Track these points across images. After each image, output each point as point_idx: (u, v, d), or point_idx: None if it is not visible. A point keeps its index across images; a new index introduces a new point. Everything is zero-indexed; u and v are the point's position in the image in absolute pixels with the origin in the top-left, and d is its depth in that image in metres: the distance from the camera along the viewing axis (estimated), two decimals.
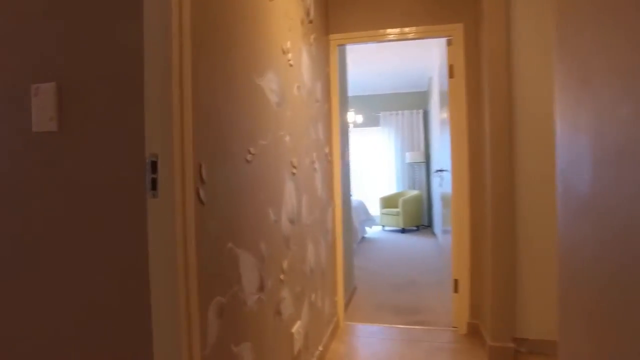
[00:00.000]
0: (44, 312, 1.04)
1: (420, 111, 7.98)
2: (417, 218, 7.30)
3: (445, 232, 3.84)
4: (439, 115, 5.37)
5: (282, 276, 1.69)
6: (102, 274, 1.01)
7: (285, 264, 1.74)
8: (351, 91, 8.01)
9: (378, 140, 8.38)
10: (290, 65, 1.89)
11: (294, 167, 1.91)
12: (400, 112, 8.11)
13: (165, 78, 0.96)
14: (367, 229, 7.12)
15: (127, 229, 1.00)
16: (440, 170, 3.69)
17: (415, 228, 7.43)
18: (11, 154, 1.08)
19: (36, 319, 1.04)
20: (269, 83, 1.61)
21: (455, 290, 2.81)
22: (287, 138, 1.82)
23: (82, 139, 1.03)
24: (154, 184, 0.97)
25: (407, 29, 2.84)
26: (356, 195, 7.96)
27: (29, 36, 1.07)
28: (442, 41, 3.00)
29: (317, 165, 2.39)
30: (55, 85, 1.05)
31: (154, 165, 0.97)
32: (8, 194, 1.08)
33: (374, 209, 7.81)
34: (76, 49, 1.03)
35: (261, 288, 1.47)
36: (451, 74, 2.83)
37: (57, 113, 1.05)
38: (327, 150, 2.77)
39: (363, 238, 6.70)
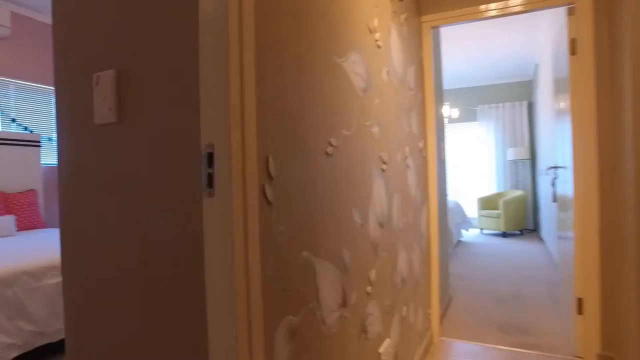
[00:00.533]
0: None
1: (524, 103, 7.14)
2: (520, 221, 6.53)
3: (561, 238, 3.27)
4: (549, 106, 4.68)
5: (369, 288, 1.46)
6: (153, 281, 0.87)
7: (372, 274, 1.50)
8: (445, 84, 7.48)
9: (475, 136, 7.70)
10: (378, 47, 1.64)
11: (384, 162, 1.66)
12: (500, 104, 7.35)
13: (222, 53, 0.78)
14: (463, 232, 6.56)
15: (180, 234, 0.84)
16: (555, 168, 3.14)
17: (518, 232, 6.67)
18: (80, 149, 1.00)
19: None
20: (353, 65, 1.39)
21: (579, 311, 2.32)
22: (375, 129, 1.58)
23: (138, 129, 0.90)
24: (210, 180, 0.80)
25: (512, 1, 2.41)
26: (451, 196, 7.39)
27: (93, 22, 0.97)
28: (554, 16, 2.50)
29: (410, 162, 2.11)
30: (114, 72, 0.94)
31: (210, 158, 0.80)
32: (83, 191, 1.01)
33: (471, 211, 7.18)
34: (130, 30, 0.91)
35: (344, 303, 1.25)
36: (573, 50, 2.34)
37: (115, 102, 0.94)
38: (421, 145, 2.47)
39: (459, 242, 6.17)
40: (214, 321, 0.80)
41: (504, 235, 6.56)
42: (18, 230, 3.48)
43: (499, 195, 6.94)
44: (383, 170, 1.66)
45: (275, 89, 0.94)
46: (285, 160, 0.97)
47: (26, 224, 3.65)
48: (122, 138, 0.94)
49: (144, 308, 0.90)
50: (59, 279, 2.39)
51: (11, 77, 3.89)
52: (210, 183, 0.80)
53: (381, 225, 1.62)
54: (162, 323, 0.87)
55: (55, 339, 2.32)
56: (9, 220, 3.37)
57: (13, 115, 3.92)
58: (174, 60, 0.85)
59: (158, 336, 0.88)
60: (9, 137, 3.77)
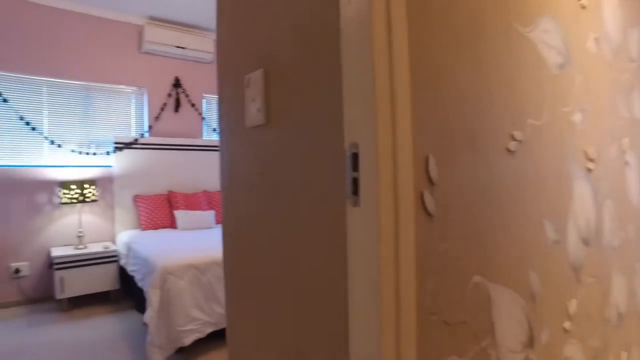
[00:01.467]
0: None
1: None
2: None
3: None
4: None
5: (567, 324, 1.12)
6: (301, 289, 0.79)
7: (572, 306, 1.15)
8: None
9: None
10: (582, 7, 1.26)
11: (590, 159, 1.27)
12: None
13: (365, 23, 0.64)
14: None
15: (323, 246, 0.74)
16: None
17: None
18: (234, 151, 1.01)
19: None
20: (544, 35, 1.08)
21: None
22: (577, 116, 1.22)
23: (283, 130, 0.84)
24: (355, 186, 0.67)
25: None
26: None
27: (244, 25, 0.96)
28: None
29: (630, 158, 1.60)
30: (262, 72, 0.91)
31: (355, 160, 0.67)
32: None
33: None
34: (275, 28, 0.86)
35: (530, 343, 0.97)
36: None
37: (263, 103, 0.90)
38: None
39: None
40: (357, 354, 0.66)
41: None
42: (216, 224, 4.06)
43: None
44: (589, 169, 1.27)
45: (436, 71, 0.76)
46: (451, 160, 0.77)
47: None
48: (268, 139, 0.90)
49: (293, 311, 0.84)
50: None
51: (214, 94, 4.57)
52: (355, 190, 0.67)
53: (585, 241, 1.24)
54: (308, 334, 0.79)
55: None
56: (210, 214, 3.96)
57: (214, 125, 4.61)
58: (314, 50, 0.75)
59: (304, 347, 0.80)
60: (211, 144, 4.44)
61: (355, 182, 0.67)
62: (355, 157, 0.67)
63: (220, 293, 2.54)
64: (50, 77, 3.66)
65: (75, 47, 3.77)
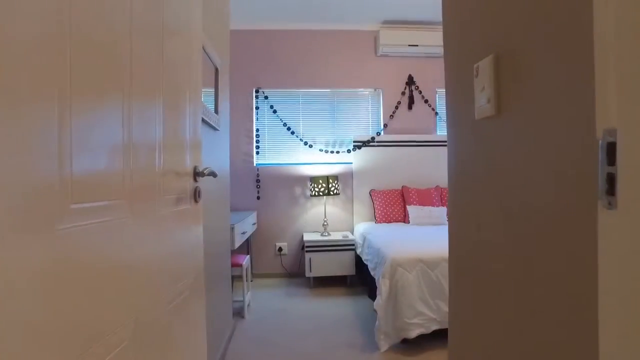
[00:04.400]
0: None
1: None
2: None
3: None
4: None
5: None
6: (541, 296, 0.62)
7: None
8: None
9: None
10: None
11: None
12: None
13: None
14: None
15: (565, 256, 0.55)
16: None
17: None
18: (462, 143, 0.91)
19: None
20: None
21: None
22: None
23: (516, 122, 0.71)
24: (611, 183, 0.47)
25: None
26: None
27: (472, 12, 0.85)
28: None
29: None
30: (492, 57, 0.78)
31: (611, 151, 0.47)
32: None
33: None
34: (505, 10, 0.72)
35: None
36: None
37: (494, 92, 0.78)
38: None
39: None
40: None
41: None
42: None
43: None
44: None
45: None
46: None
47: None
48: (499, 132, 0.77)
49: (527, 322, 0.67)
50: None
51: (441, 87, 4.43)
52: (611, 189, 0.47)
53: None
54: (545, 350, 0.62)
55: None
56: (441, 211, 3.85)
57: None
58: (556, 27, 0.58)
59: None
60: (444, 139, 4.31)
61: (611, 178, 0.47)
62: (611, 147, 0.47)
63: (447, 291, 2.41)
64: (305, 88, 4.31)
65: (322, 59, 4.32)
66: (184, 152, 1.08)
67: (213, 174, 1.21)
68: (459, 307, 1.01)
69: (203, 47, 1.81)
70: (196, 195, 1.16)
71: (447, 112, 1.06)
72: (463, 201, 0.97)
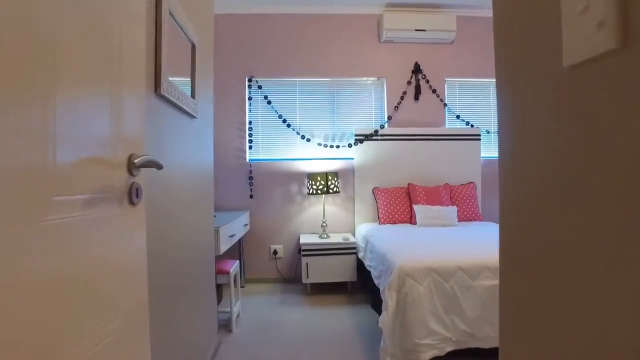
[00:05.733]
0: None
1: None
2: None
3: None
4: None
5: None
6: None
7: None
8: None
9: None
10: None
11: None
12: None
13: None
14: None
15: None
16: None
17: None
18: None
19: None
20: None
21: None
22: None
23: None
24: None
25: None
26: None
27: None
28: None
29: None
30: None
31: None
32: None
33: None
34: None
35: None
36: None
37: (615, 6, 0.42)
38: None
39: None
40: None
41: None
42: (458, 221, 3.56)
43: None
44: None
45: None
46: None
47: (465, 215, 3.70)
48: (624, 77, 0.41)
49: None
50: (492, 281, 2.09)
51: (456, 76, 4.08)
52: None
53: None
54: None
55: (486, 345, 2.04)
56: (452, 210, 3.50)
57: (457, 112, 4.11)
58: None
59: None
60: (453, 133, 3.96)
61: None
62: None
63: (466, 304, 2.06)
64: (302, 77, 3.96)
65: (320, 46, 3.96)
66: (108, 134, 0.75)
67: (154, 165, 0.87)
68: (512, 326, 0.67)
69: (169, 10, 1.46)
70: (132, 194, 0.82)
71: (497, 72, 0.71)
72: (521, 201, 0.63)
